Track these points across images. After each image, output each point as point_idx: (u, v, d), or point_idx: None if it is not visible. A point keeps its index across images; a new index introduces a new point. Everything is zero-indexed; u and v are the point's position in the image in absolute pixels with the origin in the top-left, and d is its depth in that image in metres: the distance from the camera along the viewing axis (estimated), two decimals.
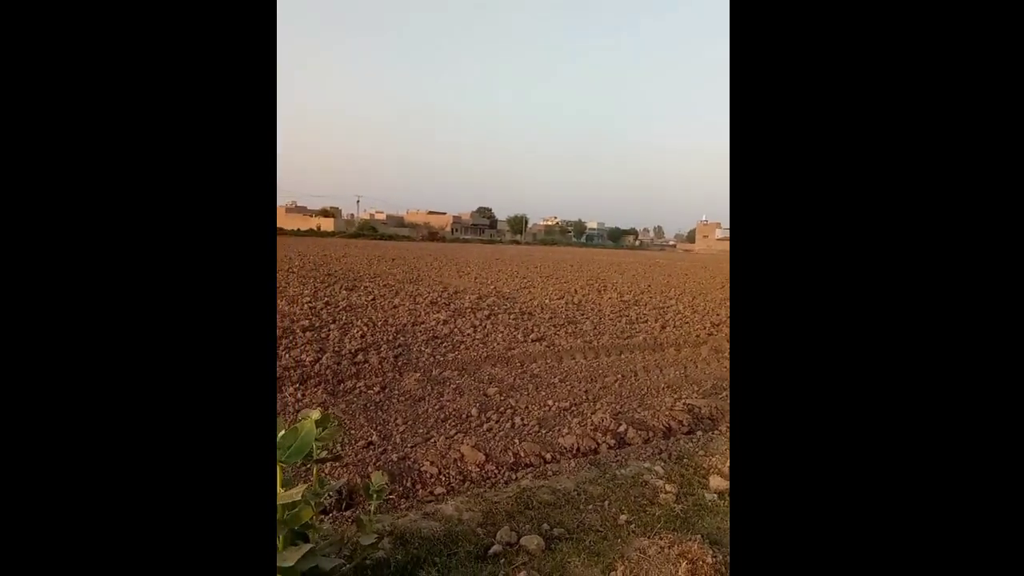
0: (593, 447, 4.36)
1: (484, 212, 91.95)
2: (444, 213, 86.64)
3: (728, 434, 4.69)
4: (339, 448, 3.97)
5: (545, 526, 3.10)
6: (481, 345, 7.58)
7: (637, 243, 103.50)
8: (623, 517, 3.22)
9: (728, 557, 2.89)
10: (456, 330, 8.48)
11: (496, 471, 3.88)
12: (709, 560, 2.78)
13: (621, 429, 4.68)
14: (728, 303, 14.18)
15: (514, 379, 6.13)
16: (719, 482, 3.68)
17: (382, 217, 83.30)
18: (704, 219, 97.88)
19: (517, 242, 69.36)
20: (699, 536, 2.96)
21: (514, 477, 3.80)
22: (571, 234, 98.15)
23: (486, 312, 10.20)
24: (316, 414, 2.26)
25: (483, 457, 3.97)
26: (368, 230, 59.36)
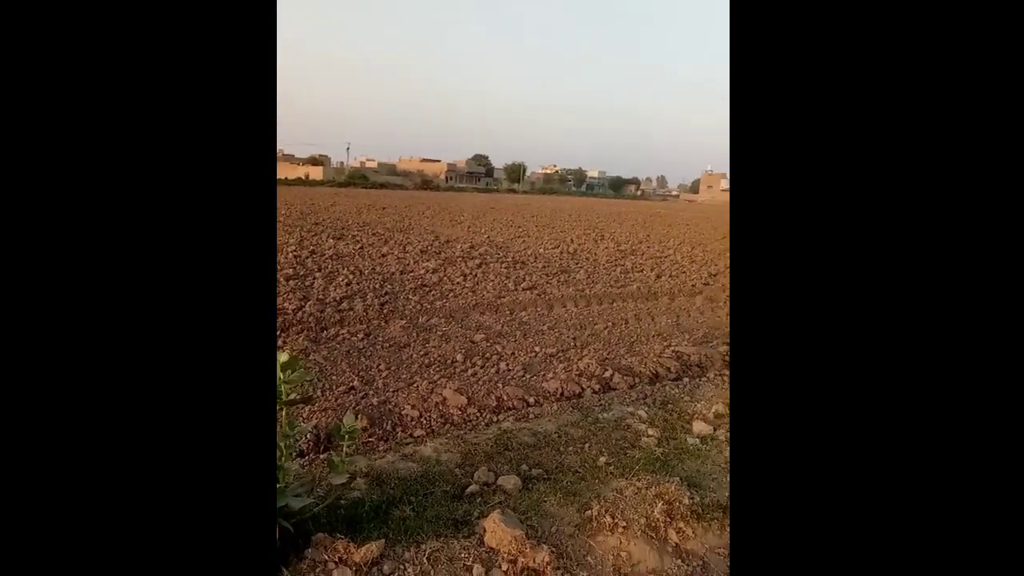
0: (577, 392, 4.34)
1: (480, 160, 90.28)
2: (439, 161, 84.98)
3: (716, 381, 4.68)
4: (313, 391, 3.94)
5: (524, 467, 3.10)
6: (470, 293, 7.53)
7: (639, 193, 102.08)
8: (603, 459, 3.21)
9: (704, 498, 2.89)
10: (446, 279, 8.40)
11: (478, 414, 3.87)
12: (686, 501, 2.78)
13: (607, 375, 4.66)
14: (727, 253, 14.10)
15: (502, 326, 6.09)
16: (702, 427, 3.68)
17: (373, 165, 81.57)
18: (709, 169, 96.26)
19: (514, 191, 68.37)
20: (677, 478, 2.95)
21: (495, 420, 3.79)
22: (571, 183, 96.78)
23: (477, 261, 10.11)
24: (283, 356, 2.19)
25: (465, 401, 3.95)
26: (359, 179, 57.83)
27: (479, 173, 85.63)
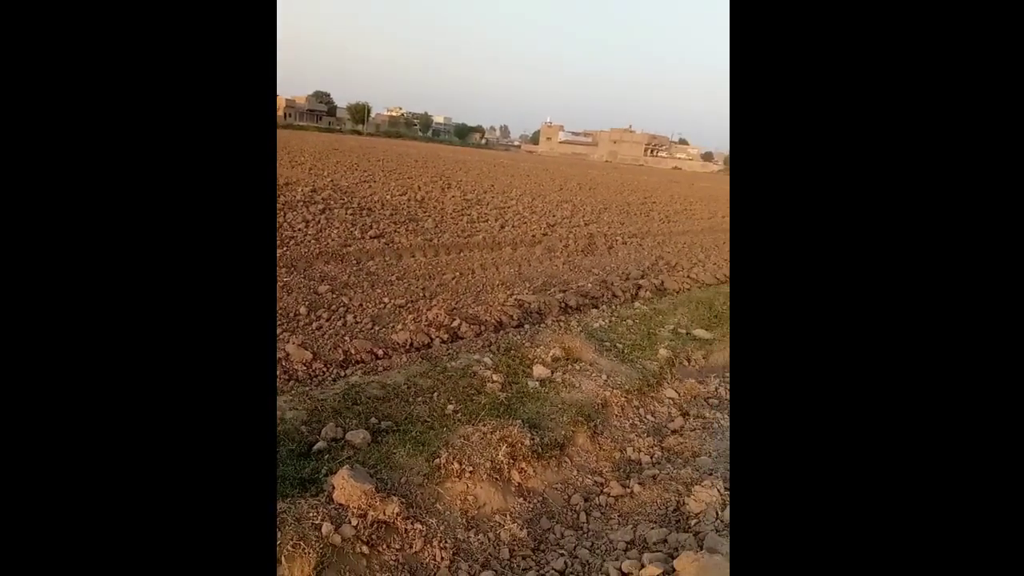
0: (426, 342, 4.40)
1: (322, 97, 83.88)
2: (277, 96, 78.00)
3: (553, 327, 5.00)
4: None
5: (373, 420, 3.11)
6: (313, 241, 7.15)
7: (483, 141, 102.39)
8: (450, 407, 3.33)
9: (544, 438, 3.14)
10: (286, 224, 7.87)
11: (324, 369, 3.77)
12: (527, 442, 3.00)
13: (455, 324, 4.76)
14: (564, 204, 14.80)
15: (348, 277, 5.90)
16: (542, 371, 3.93)
17: None
18: (549, 121, 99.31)
19: (358, 132, 64.88)
20: (519, 421, 3.16)
21: (343, 374, 3.73)
22: (416, 127, 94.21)
23: (320, 206, 9.57)
24: None
25: (310, 356, 3.82)
26: None
27: (320, 111, 79.75)
